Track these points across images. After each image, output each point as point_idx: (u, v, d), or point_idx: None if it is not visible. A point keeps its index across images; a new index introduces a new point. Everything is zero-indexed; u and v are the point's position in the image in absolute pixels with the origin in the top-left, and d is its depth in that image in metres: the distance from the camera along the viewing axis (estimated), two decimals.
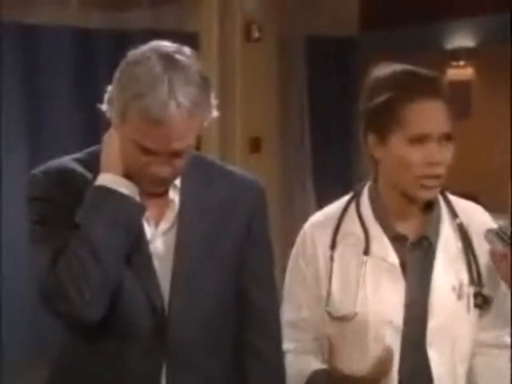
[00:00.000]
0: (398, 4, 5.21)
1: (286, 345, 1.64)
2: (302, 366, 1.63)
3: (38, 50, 3.52)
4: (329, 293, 1.60)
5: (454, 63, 6.73)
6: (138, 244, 1.49)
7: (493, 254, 1.54)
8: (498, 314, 1.61)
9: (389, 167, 1.58)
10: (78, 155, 1.55)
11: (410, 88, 1.55)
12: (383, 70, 1.59)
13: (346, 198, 1.68)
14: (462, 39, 6.44)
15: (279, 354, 1.61)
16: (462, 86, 6.45)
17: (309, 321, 1.64)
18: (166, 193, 1.53)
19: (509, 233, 1.53)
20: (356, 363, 1.59)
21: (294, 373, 1.62)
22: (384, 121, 1.55)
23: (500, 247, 1.51)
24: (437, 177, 1.55)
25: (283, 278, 1.72)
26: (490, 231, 1.56)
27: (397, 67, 1.59)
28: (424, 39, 5.94)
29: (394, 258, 1.59)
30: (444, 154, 1.55)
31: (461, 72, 6.71)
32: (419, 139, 1.53)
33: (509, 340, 1.61)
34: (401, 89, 1.55)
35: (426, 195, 1.57)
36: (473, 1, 5.08)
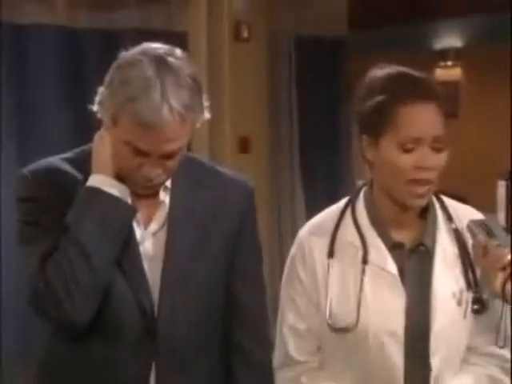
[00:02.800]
0: (387, 4, 5.23)
1: (293, 353, 1.62)
2: None
3: (25, 50, 3.50)
4: (328, 304, 1.58)
5: (442, 63, 6.76)
6: (127, 245, 1.48)
7: (474, 247, 1.54)
8: (488, 318, 1.60)
9: (380, 171, 1.57)
10: (67, 155, 1.54)
11: (403, 91, 1.53)
12: (378, 71, 1.57)
13: (342, 203, 1.65)
14: (450, 39, 6.47)
15: (267, 354, 1.61)
16: (450, 86, 6.48)
17: (311, 330, 1.62)
18: (156, 194, 1.52)
19: (493, 227, 1.52)
20: (358, 374, 1.58)
21: None
22: (376, 123, 1.53)
23: (482, 238, 1.51)
24: (427, 182, 1.53)
25: (271, 278, 1.71)
26: (473, 222, 1.55)
27: (391, 69, 1.57)
28: (412, 39, 5.96)
29: (392, 267, 1.57)
30: (436, 160, 1.53)
31: (449, 72, 6.74)
32: (411, 143, 1.51)
33: (495, 348, 1.60)
34: (393, 92, 1.53)
35: (415, 203, 1.55)
36: (461, 1, 5.10)
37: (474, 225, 1.55)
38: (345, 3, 4.51)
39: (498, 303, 1.57)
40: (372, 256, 1.57)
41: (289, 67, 4.34)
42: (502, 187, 3.51)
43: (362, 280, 1.56)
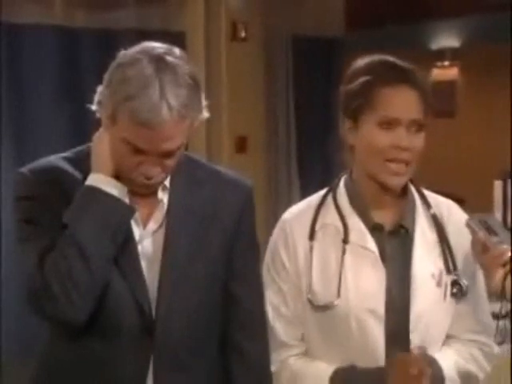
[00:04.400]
0: (384, 4, 5.23)
1: (282, 337, 1.63)
2: (313, 369, 1.62)
3: (23, 50, 3.50)
4: (309, 283, 1.60)
5: (439, 63, 6.77)
6: (125, 244, 1.48)
7: (474, 244, 1.54)
8: (468, 305, 1.62)
9: (360, 152, 1.61)
10: (66, 154, 1.54)
11: (385, 73, 1.58)
12: (362, 59, 1.64)
13: (324, 190, 1.70)
14: (446, 39, 6.47)
15: (265, 354, 1.61)
16: (447, 86, 6.49)
17: (297, 316, 1.64)
18: (155, 193, 1.52)
19: (493, 224, 1.53)
20: (340, 354, 1.60)
21: (304, 375, 1.62)
22: (357, 104, 1.58)
23: (481, 235, 1.52)
24: (404, 162, 1.57)
25: None
26: (472, 219, 1.56)
27: (376, 57, 1.63)
28: (409, 39, 5.97)
29: (372, 246, 1.60)
30: (413, 141, 1.57)
31: (446, 72, 6.74)
32: (388, 123, 1.56)
33: (480, 337, 1.63)
34: (375, 74, 1.58)
35: (393, 181, 1.59)
36: (457, 1, 5.11)
37: (473, 222, 1.55)
38: (342, 3, 4.52)
39: (477, 290, 1.60)
40: (353, 236, 1.61)
41: (286, 67, 4.35)
42: (498, 187, 3.52)
43: (342, 259, 1.59)
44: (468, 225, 1.55)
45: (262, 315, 1.62)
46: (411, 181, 1.66)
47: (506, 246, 1.50)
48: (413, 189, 1.67)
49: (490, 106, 6.56)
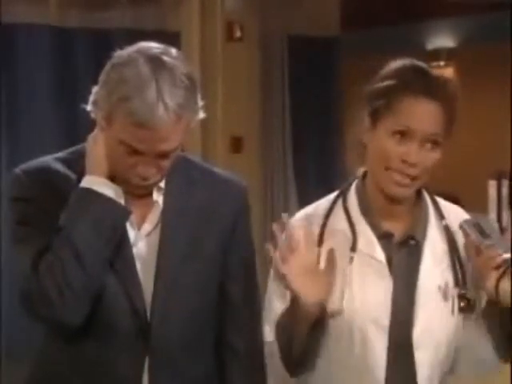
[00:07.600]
0: (379, 4, 5.24)
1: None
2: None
3: (17, 49, 3.49)
4: None
5: (435, 63, 6.77)
6: (120, 246, 1.48)
7: (467, 247, 1.54)
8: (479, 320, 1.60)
9: (370, 155, 1.59)
10: (60, 155, 1.54)
11: (410, 80, 1.55)
12: (396, 62, 1.60)
13: (334, 194, 1.67)
14: (442, 39, 6.49)
15: (259, 354, 1.60)
16: None
17: None
18: (150, 194, 1.52)
19: (486, 226, 1.53)
20: (342, 362, 1.58)
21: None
22: (377, 105, 1.56)
23: (474, 238, 1.52)
24: (410, 177, 1.54)
25: (264, 277, 1.71)
26: (466, 222, 1.55)
27: (409, 61, 1.60)
28: (405, 39, 5.98)
29: (380, 255, 1.58)
30: (423, 157, 1.53)
31: (441, 72, 6.74)
32: (401, 133, 1.53)
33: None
34: (401, 79, 1.56)
35: (397, 192, 1.56)
36: (453, 2, 5.12)
37: (466, 225, 1.55)
38: (337, 3, 4.52)
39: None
40: (361, 244, 1.59)
41: (281, 67, 4.35)
42: (493, 187, 3.53)
43: (349, 267, 1.57)
44: (461, 227, 1.55)
45: (256, 316, 1.61)
46: (426, 188, 1.63)
47: (499, 249, 1.50)
48: (427, 197, 1.64)
49: (485, 105, 6.58)
